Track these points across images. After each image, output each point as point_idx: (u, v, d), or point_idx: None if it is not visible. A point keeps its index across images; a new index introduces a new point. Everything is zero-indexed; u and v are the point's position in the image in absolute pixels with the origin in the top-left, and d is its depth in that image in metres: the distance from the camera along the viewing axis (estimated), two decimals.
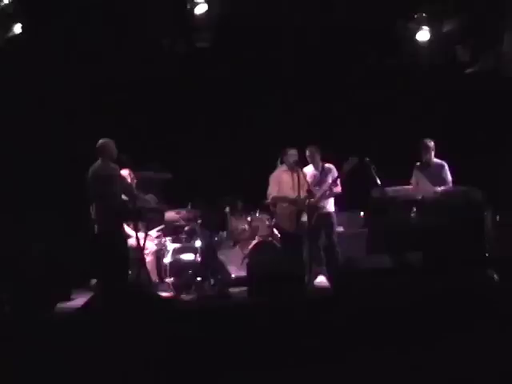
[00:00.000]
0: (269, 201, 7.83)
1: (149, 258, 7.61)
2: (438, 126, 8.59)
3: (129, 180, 7.13)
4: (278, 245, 7.92)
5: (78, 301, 6.25)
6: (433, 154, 7.81)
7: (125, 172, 7.21)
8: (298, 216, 7.61)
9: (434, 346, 4.59)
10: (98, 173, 6.96)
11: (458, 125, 8.84)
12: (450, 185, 7.70)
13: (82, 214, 7.27)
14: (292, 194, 7.63)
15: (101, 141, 6.99)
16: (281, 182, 7.77)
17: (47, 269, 6.42)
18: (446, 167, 7.77)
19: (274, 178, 7.84)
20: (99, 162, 6.97)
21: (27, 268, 6.29)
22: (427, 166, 7.79)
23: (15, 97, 8.11)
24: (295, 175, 7.62)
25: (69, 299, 6.61)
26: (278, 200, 7.77)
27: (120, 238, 6.75)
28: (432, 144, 7.80)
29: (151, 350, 2.99)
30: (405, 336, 4.84)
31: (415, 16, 8.43)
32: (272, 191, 7.79)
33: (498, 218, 7.59)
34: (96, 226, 6.95)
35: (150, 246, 7.74)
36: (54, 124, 8.30)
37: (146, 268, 7.22)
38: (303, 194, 7.55)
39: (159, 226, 7.98)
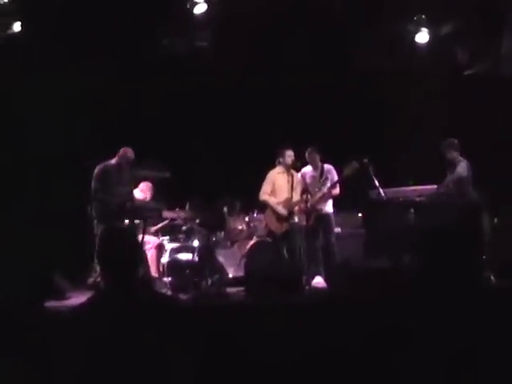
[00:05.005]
0: (260, 200, 7.90)
1: (151, 253, 7.61)
2: (436, 127, 8.58)
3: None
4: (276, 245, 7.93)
5: (74, 300, 6.23)
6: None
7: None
8: (287, 219, 7.67)
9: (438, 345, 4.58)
10: (97, 172, 7.03)
11: (454, 126, 8.83)
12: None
13: (80, 212, 7.30)
14: (286, 196, 7.72)
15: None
16: (275, 183, 7.84)
17: (42, 267, 6.40)
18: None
19: (268, 177, 7.90)
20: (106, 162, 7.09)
21: (22, 265, 6.26)
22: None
23: (15, 95, 8.11)
24: (290, 177, 7.70)
25: (64, 298, 6.57)
26: (267, 204, 7.83)
27: (125, 235, 6.76)
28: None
29: (156, 350, 2.94)
30: (404, 336, 4.82)
31: (414, 18, 8.44)
32: (265, 191, 7.86)
33: (495, 220, 7.59)
34: (95, 224, 6.99)
35: (153, 240, 7.75)
36: (53, 122, 8.29)
37: (146, 264, 7.21)
38: (296, 196, 7.64)
39: (157, 224, 8.02)
